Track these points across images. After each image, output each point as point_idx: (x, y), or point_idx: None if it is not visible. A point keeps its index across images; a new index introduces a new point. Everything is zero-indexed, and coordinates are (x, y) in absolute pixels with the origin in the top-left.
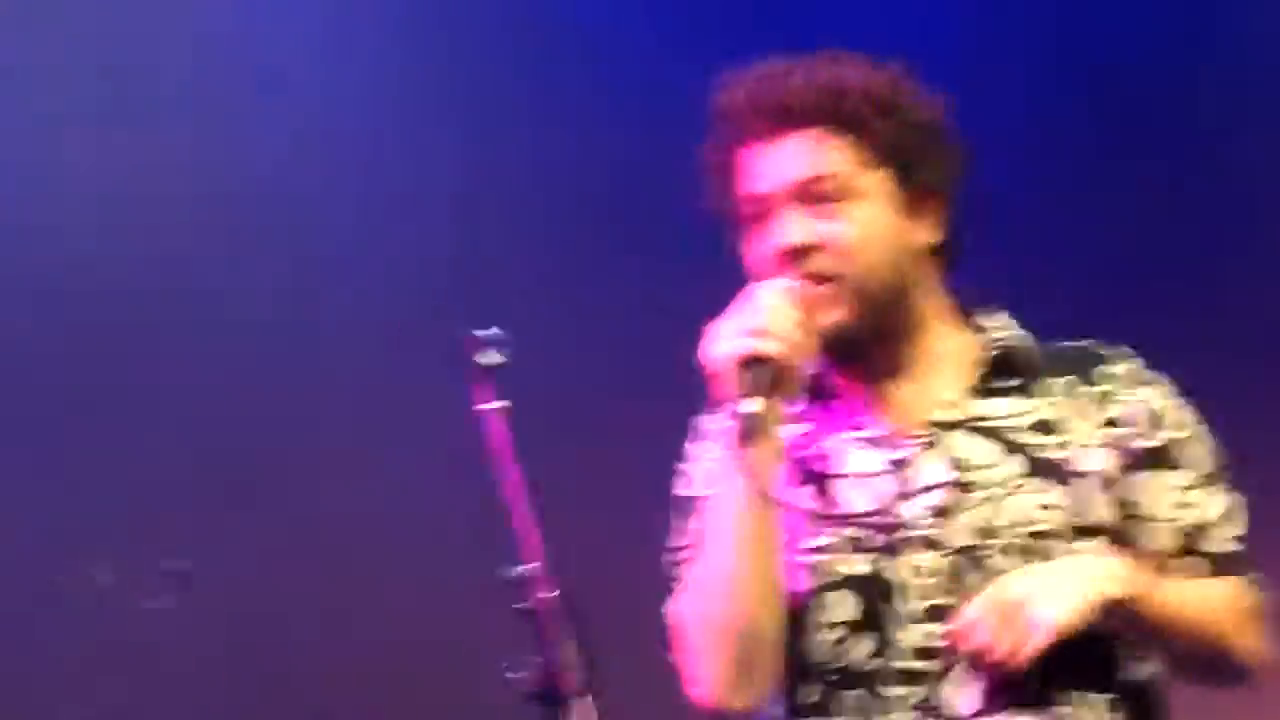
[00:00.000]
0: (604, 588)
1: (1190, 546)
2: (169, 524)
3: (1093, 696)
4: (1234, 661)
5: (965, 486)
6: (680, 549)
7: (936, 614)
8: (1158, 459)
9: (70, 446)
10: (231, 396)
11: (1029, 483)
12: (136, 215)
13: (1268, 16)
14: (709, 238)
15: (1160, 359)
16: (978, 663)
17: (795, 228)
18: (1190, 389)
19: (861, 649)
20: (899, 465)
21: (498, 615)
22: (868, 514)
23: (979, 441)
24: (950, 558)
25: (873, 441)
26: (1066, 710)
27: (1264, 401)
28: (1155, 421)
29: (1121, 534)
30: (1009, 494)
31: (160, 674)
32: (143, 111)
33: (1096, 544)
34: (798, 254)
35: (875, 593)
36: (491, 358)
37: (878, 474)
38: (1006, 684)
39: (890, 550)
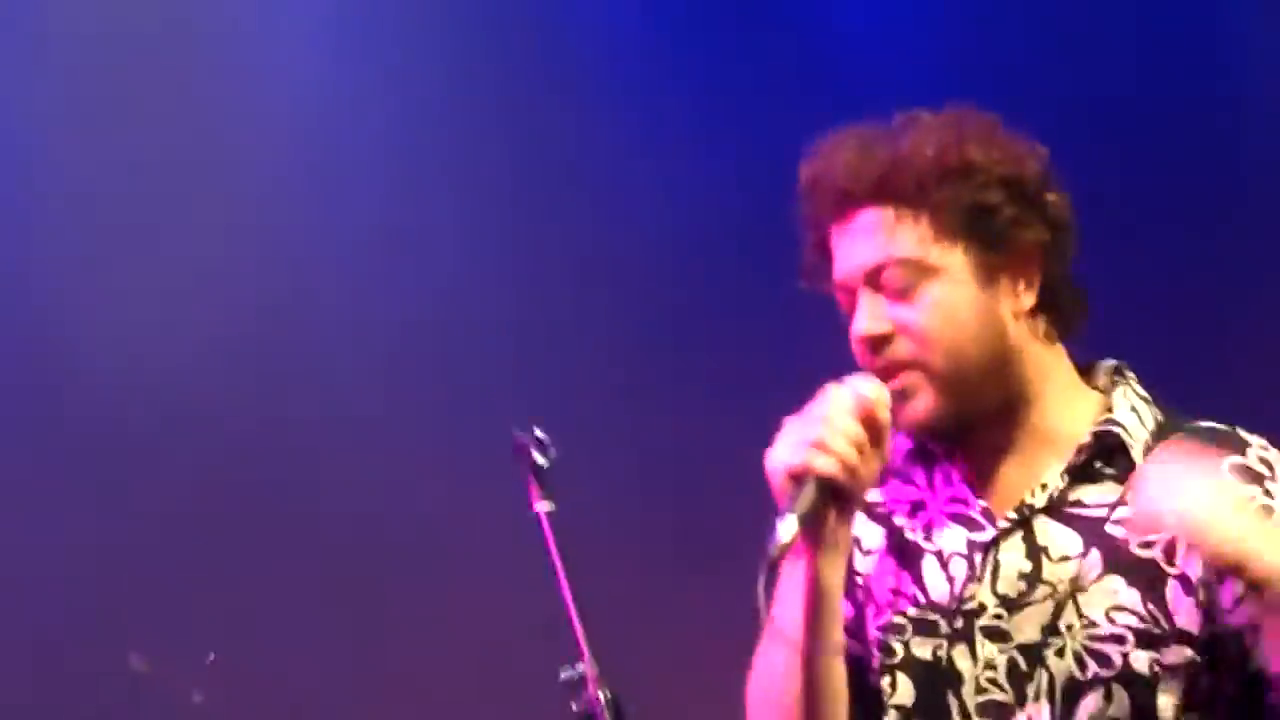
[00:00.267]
0: (654, 692)
1: None
2: (225, 621)
3: None
4: None
5: (1038, 578)
6: None
7: (992, 711)
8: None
9: (109, 535)
10: (285, 493)
11: (1105, 580)
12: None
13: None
14: (783, 327)
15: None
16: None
17: (868, 316)
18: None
19: None
20: (981, 548)
21: (555, 717)
22: (935, 599)
23: (1063, 530)
24: (1012, 653)
25: (963, 519)
26: None
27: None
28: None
29: (1211, 645)
30: (1080, 590)
31: None
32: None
33: (1177, 654)
34: (874, 343)
35: (934, 679)
36: (540, 459)
37: (960, 554)
38: None
39: (956, 637)
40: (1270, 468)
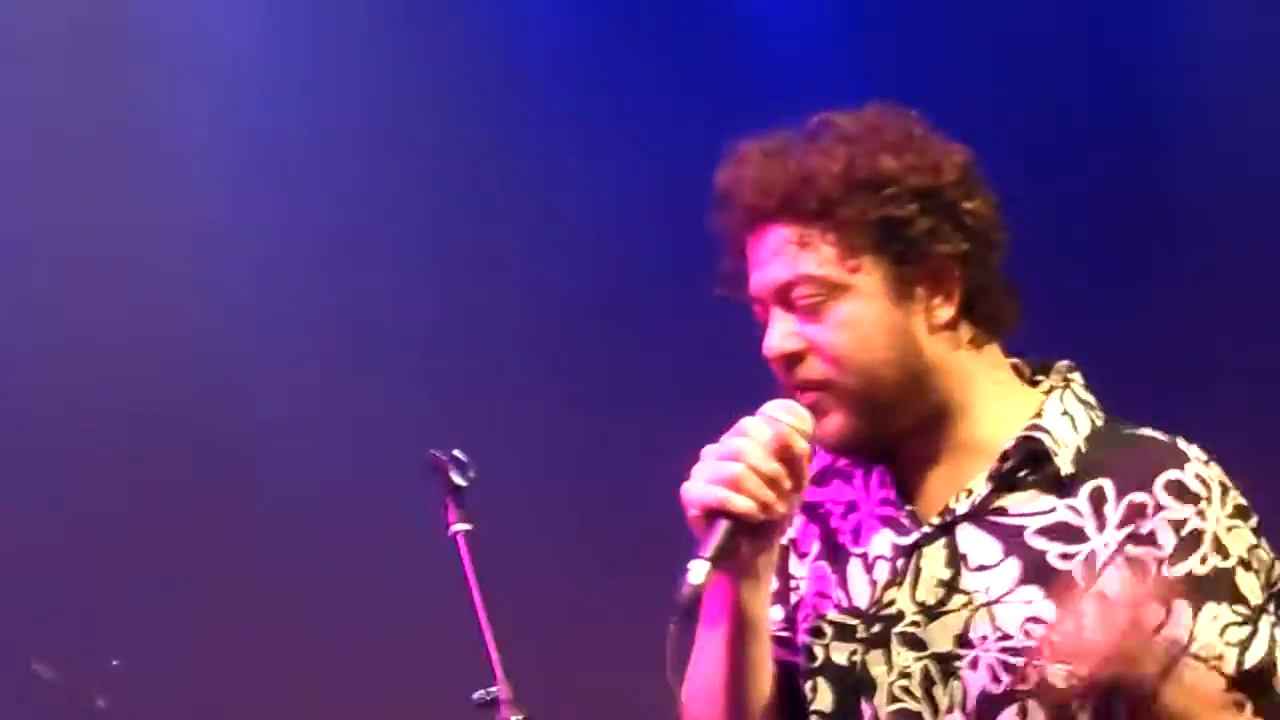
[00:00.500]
0: (568, 715)
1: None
2: (130, 626)
3: None
4: None
5: (954, 587)
6: None
7: (905, 718)
8: (1193, 589)
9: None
10: (199, 500)
11: (1020, 591)
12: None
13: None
14: (713, 337)
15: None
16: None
17: (778, 334)
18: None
19: None
20: (903, 553)
21: None
22: (856, 604)
23: (985, 538)
24: (925, 662)
25: (891, 522)
26: None
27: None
28: (1191, 546)
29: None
30: (994, 602)
31: None
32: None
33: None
34: (785, 361)
35: (851, 686)
36: (458, 478)
37: (885, 558)
38: None
39: (873, 643)
40: (1207, 486)
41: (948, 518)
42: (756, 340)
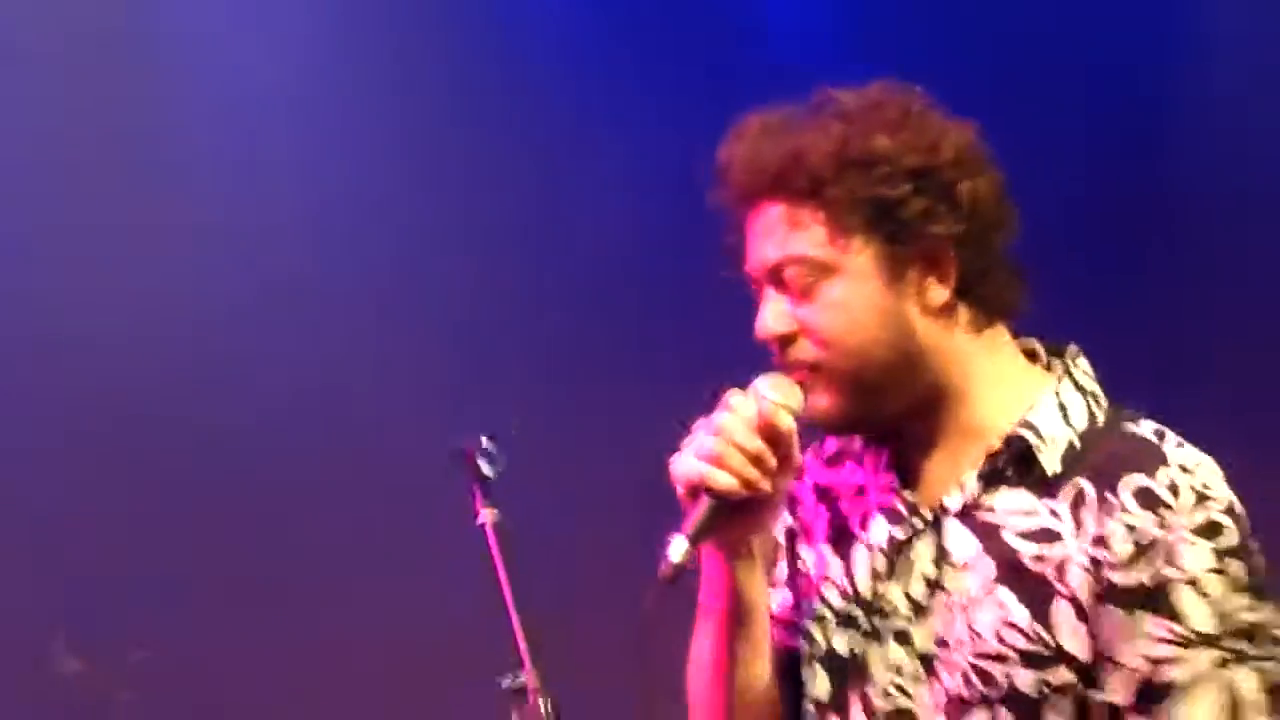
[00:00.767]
0: (596, 702)
1: (1138, 705)
2: (153, 620)
3: None
4: None
5: (939, 585)
6: None
7: (895, 717)
8: (1131, 598)
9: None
10: (227, 498)
11: (996, 594)
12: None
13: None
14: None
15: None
16: None
17: (769, 315)
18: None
19: None
20: (898, 545)
21: None
22: (860, 592)
23: (969, 537)
24: (915, 661)
25: (889, 511)
26: None
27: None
28: (1142, 553)
29: (1091, 672)
30: (970, 604)
31: None
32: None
33: (1060, 675)
34: (777, 342)
35: (847, 676)
36: (488, 468)
37: (882, 549)
38: None
39: (871, 635)
40: (1175, 493)
41: (939, 513)
42: None
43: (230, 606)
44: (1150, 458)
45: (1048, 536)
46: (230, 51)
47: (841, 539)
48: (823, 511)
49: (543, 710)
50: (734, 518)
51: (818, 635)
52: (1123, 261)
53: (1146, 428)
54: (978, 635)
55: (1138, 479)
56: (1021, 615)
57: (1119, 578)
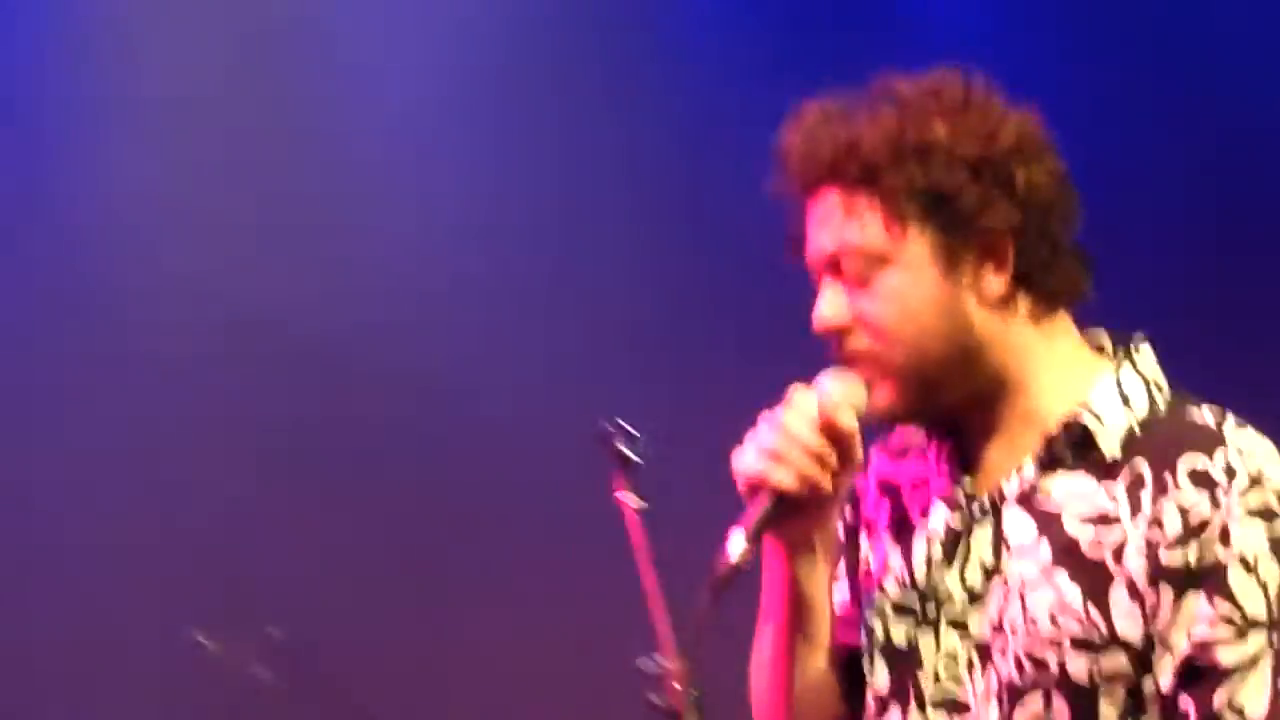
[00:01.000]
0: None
1: (1185, 687)
2: (292, 595)
3: None
4: None
5: (996, 570)
6: None
7: (948, 705)
8: (1183, 578)
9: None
10: (361, 469)
11: (1053, 578)
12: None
13: None
14: None
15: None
16: None
17: (826, 305)
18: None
19: None
20: (955, 534)
21: (631, 707)
22: (918, 581)
23: (1027, 522)
24: (970, 648)
25: (949, 500)
26: None
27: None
28: (1194, 533)
29: (1144, 656)
30: (1027, 589)
31: None
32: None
33: (1113, 661)
34: (833, 334)
35: (906, 667)
36: (628, 451)
37: (940, 537)
38: None
39: (927, 623)
40: (1231, 475)
41: (997, 500)
42: None
43: (368, 588)
44: (1207, 439)
45: (1105, 520)
46: (392, 52)
47: (903, 531)
48: (885, 505)
49: (682, 693)
50: (794, 515)
51: (877, 627)
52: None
53: (1207, 412)
54: (1033, 620)
55: (1193, 459)
56: (1076, 599)
57: (1170, 558)
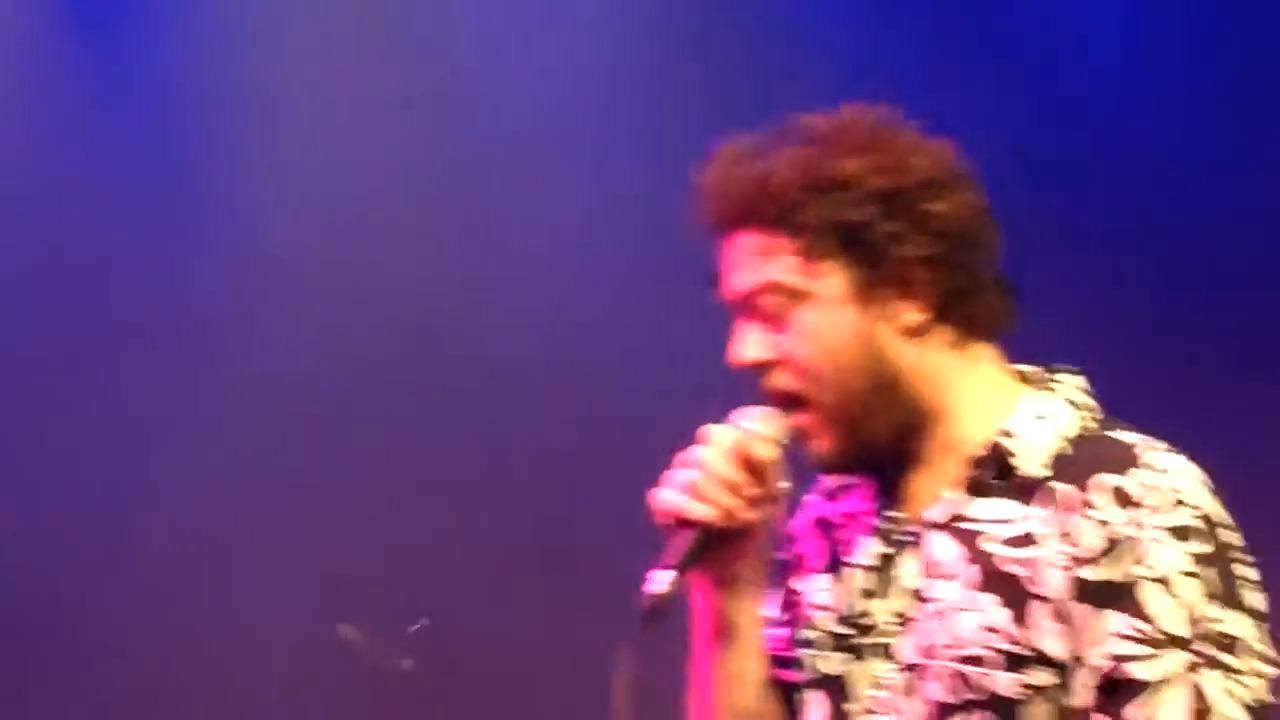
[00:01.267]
0: None
1: (1103, 703)
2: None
3: None
4: None
5: (924, 595)
6: None
7: None
8: (1101, 594)
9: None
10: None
11: (979, 599)
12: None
13: None
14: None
15: None
16: None
17: (744, 343)
18: None
19: None
20: (884, 561)
21: None
22: (846, 613)
23: (951, 545)
24: (901, 674)
25: (878, 531)
26: None
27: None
28: (1113, 551)
29: (1067, 672)
30: (956, 610)
31: None
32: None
33: (1040, 677)
34: (752, 371)
35: (840, 698)
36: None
37: (870, 567)
38: None
39: (858, 654)
40: (1148, 493)
41: (922, 526)
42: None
43: (511, 585)
44: (1125, 458)
45: (1028, 541)
46: (530, 52)
47: (836, 565)
48: (820, 542)
49: None
50: (717, 548)
51: (809, 660)
52: None
53: (1133, 435)
54: (959, 640)
55: (1114, 479)
56: (1002, 619)
57: (1090, 574)
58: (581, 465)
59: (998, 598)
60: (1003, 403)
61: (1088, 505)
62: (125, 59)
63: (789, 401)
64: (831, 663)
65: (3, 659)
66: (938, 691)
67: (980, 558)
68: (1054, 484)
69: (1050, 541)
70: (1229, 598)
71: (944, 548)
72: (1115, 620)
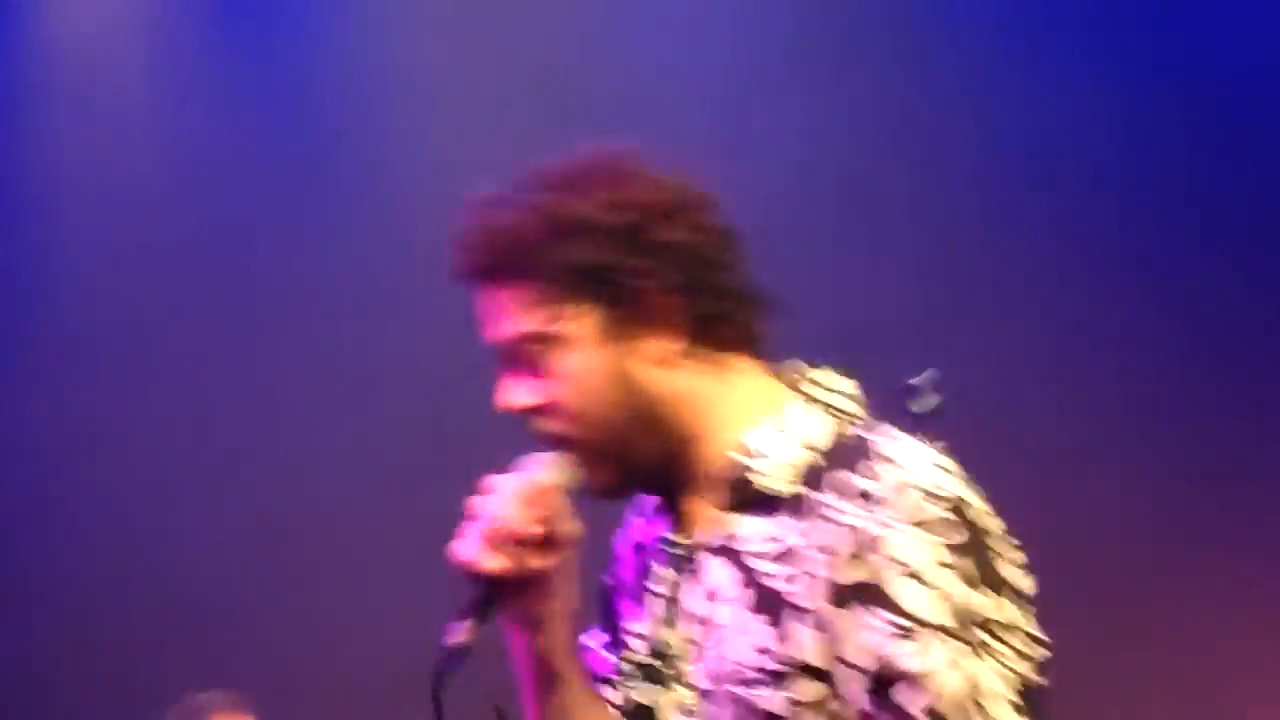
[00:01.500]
0: None
1: (882, 704)
2: None
3: None
4: None
5: (704, 620)
6: None
7: None
8: (853, 595)
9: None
10: None
11: (750, 622)
12: None
13: None
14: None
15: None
16: None
17: (505, 393)
18: None
19: None
20: (673, 589)
21: None
22: (651, 642)
23: (724, 569)
24: (701, 699)
25: (666, 557)
26: None
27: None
28: (859, 550)
29: (840, 681)
30: (729, 633)
31: None
32: None
33: (808, 691)
34: (518, 416)
35: None
36: (926, 403)
37: (664, 595)
38: None
39: (663, 682)
40: (884, 487)
41: (699, 550)
42: None
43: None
44: (859, 455)
45: (787, 555)
46: (658, 49)
47: (643, 591)
48: (635, 565)
49: None
50: (514, 595)
51: (624, 689)
52: None
53: (886, 434)
54: (735, 662)
55: (855, 479)
56: (768, 637)
57: (842, 578)
58: None
59: (767, 617)
60: (753, 421)
61: (836, 510)
62: (269, 58)
63: (559, 443)
64: (641, 692)
65: (153, 654)
66: (721, 715)
67: (750, 579)
68: (807, 492)
69: (810, 553)
70: (990, 582)
71: (718, 571)
72: (874, 618)
